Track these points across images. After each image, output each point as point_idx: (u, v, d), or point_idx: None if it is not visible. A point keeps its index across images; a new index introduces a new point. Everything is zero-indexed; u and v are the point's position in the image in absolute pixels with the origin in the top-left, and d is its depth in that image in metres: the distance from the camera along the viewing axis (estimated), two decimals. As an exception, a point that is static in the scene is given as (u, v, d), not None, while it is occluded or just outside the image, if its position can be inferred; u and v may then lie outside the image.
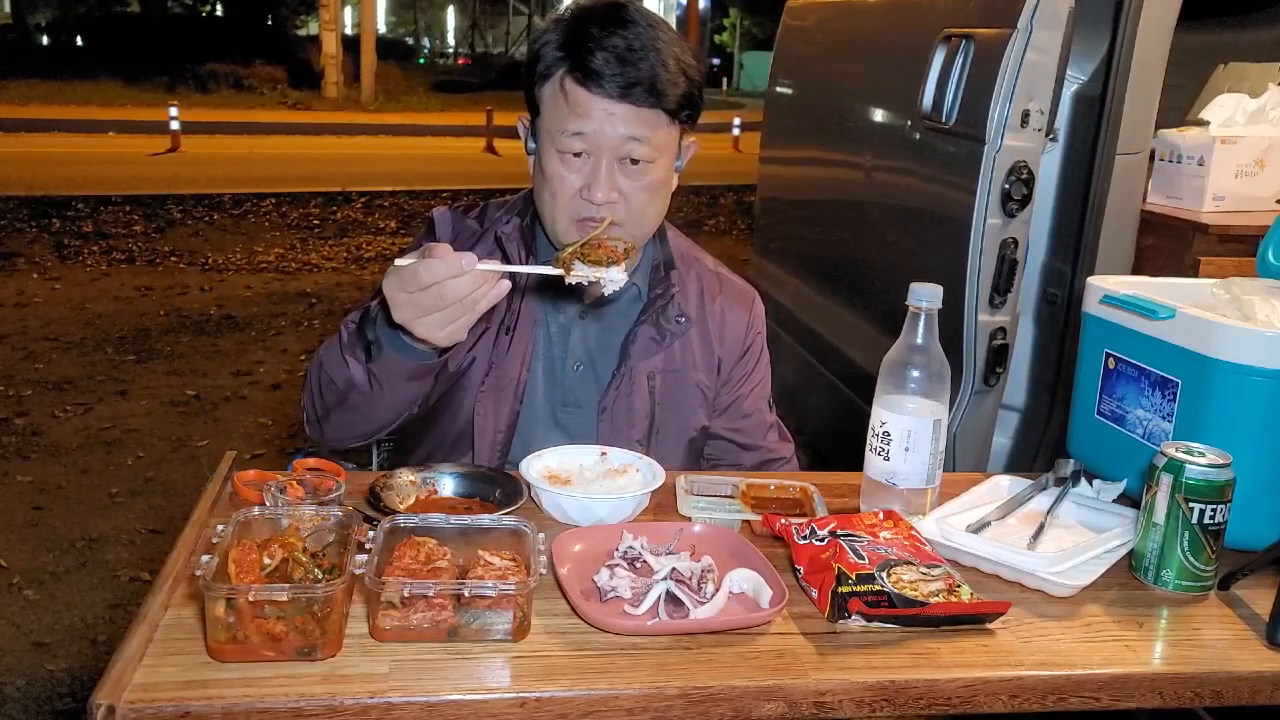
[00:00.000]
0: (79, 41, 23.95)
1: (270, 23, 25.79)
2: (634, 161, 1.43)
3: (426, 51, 37.37)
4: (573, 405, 1.56)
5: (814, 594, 1.09)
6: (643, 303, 1.59)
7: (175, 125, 12.07)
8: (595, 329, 1.58)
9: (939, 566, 1.11)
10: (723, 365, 1.63)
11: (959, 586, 1.08)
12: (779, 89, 3.69)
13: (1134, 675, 1.01)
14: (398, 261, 1.23)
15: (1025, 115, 2.16)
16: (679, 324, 1.58)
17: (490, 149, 13.46)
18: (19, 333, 5.29)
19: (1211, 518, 1.12)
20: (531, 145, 1.52)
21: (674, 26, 1.53)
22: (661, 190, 1.49)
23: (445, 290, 1.20)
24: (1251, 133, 2.50)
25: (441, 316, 1.22)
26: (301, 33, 26.92)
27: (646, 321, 1.56)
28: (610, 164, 1.43)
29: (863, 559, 1.09)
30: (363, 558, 0.99)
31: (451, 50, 38.82)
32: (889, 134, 2.78)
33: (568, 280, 1.29)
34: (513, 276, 1.49)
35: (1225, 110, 2.56)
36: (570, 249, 1.31)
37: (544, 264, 1.42)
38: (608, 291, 1.32)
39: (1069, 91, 2.38)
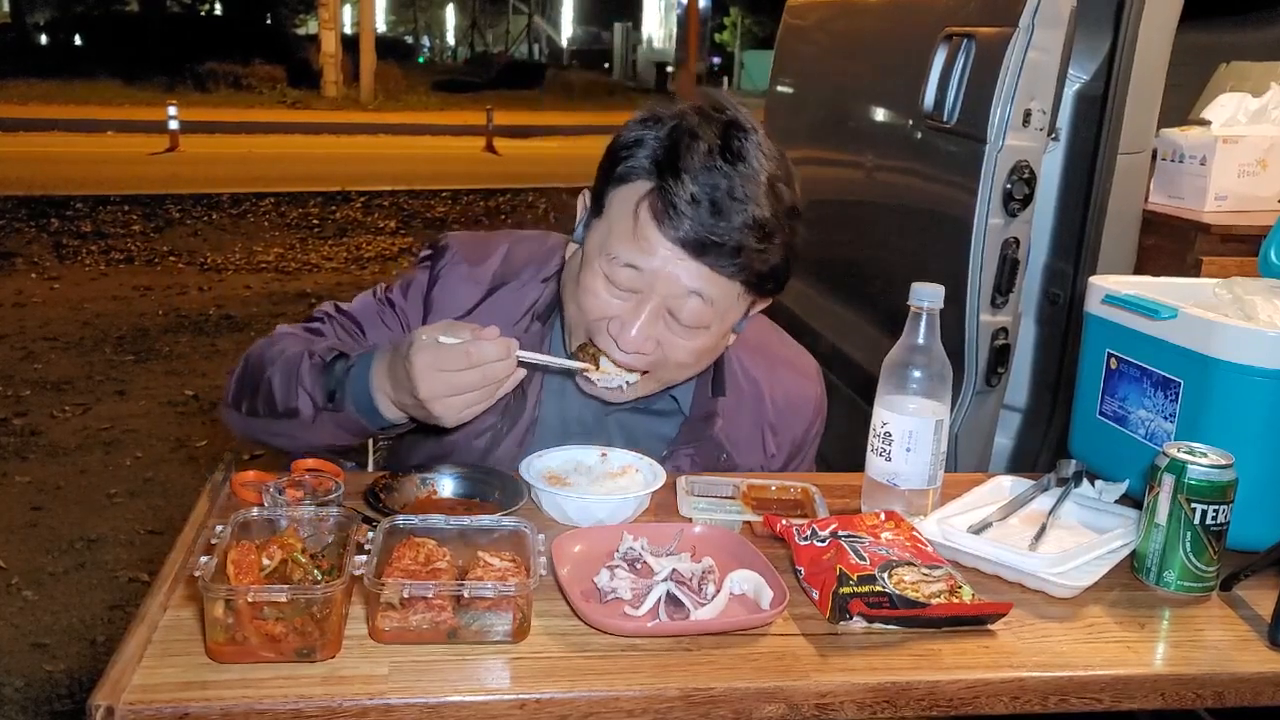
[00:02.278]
0: (78, 41, 23.96)
1: (269, 22, 25.80)
2: (685, 322, 1.27)
3: (426, 51, 37.39)
4: None
5: (815, 595, 1.09)
6: (682, 417, 1.45)
7: (174, 125, 12.08)
8: (626, 420, 1.44)
9: (940, 567, 1.10)
10: (773, 460, 1.49)
11: (960, 587, 1.07)
12: (779, 89, 3.69)
13: (1136, 676, 1.01)
14: (441, 338, 1.15)
15: (1027, 115, 2.15)
16: (721, 461, 1.43)
17: (490, 148, 13.47)
18: (18, 333, 5.29)
19: (1214, 518, 1.12)
20: (579, 234, 1.34)
21: (674, 26, 1.44)
22: (709, 355, 1.34)
23: (489, 372, 1.14)
24: (1253, 132, 2.50)
25: (473, 397, 1.16)
26: (301, 32, 26.93)
27: (686, 443, 1.43)
28: (658, 309, 1.26)
29: (864, 560, 1.08)
30: (362, 559, 0.99)
31: (452, 49, 38.84)
32: (890, 134, 2.77)
33: (594, 377, 1.25)
34: (528, 378, 1.38)
35: (1227, 110, 2.56)
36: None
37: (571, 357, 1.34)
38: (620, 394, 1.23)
39: (1071, 91, 2.37)
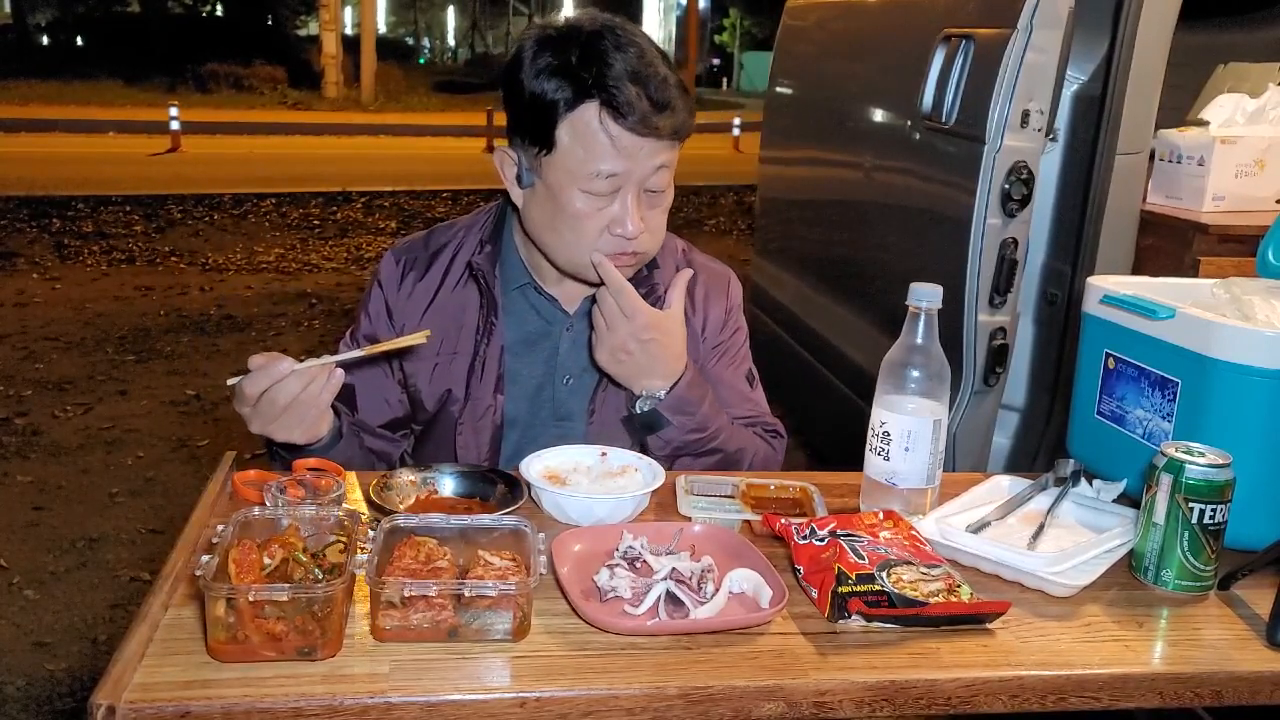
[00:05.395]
0: (79, 41, 23.98)
1: (270, 23, 25.80)
2: (657, 190, 1.43)
3: (427, 52, 37.39)
4: (565, 418, 1.55)
5: (814, 594, 1.09)
6: None
7: (175, 125, 12.09)
8: (583, 338, 1.55)
9: (939, 566, 1.11)
10: (705, 346, 1.63)
11: (959, 586, 1.08)
12: (779, 89, 3.69)
13: (1134, 675, 1.01)
14: (228, 381, 1.29)
15: (1025, 115, 2.16)
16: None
17: (490, 149, 13.47)
18: (19, 333, 5.29)
19: (1211, 518, 1.12)
20: (528, 179, 1.45)
21: (674, 27, 1.53)
22: (668, 209, 1.50)
23: (276, 396, 1.25)
24: (1251, 133, 2.50)
25: (286, 419, 1.28)
26: (301, 33, 26.94)
27: None
28: (638, 195, 1.41)
29: (863, 559, 1.09)
30: (363, 558, 0.99)
31: (452, 50, 38.83)
32: (889, 134, 2.78)
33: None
34: (489, 301, 1.53)
35: (1225, 110, 2.56)
36: None
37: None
38: None
39: (1069, 91, 2.38)
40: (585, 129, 1.37)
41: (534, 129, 1.40)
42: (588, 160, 1.37)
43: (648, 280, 1.56)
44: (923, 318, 1.25)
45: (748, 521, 1.26)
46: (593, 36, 1.38)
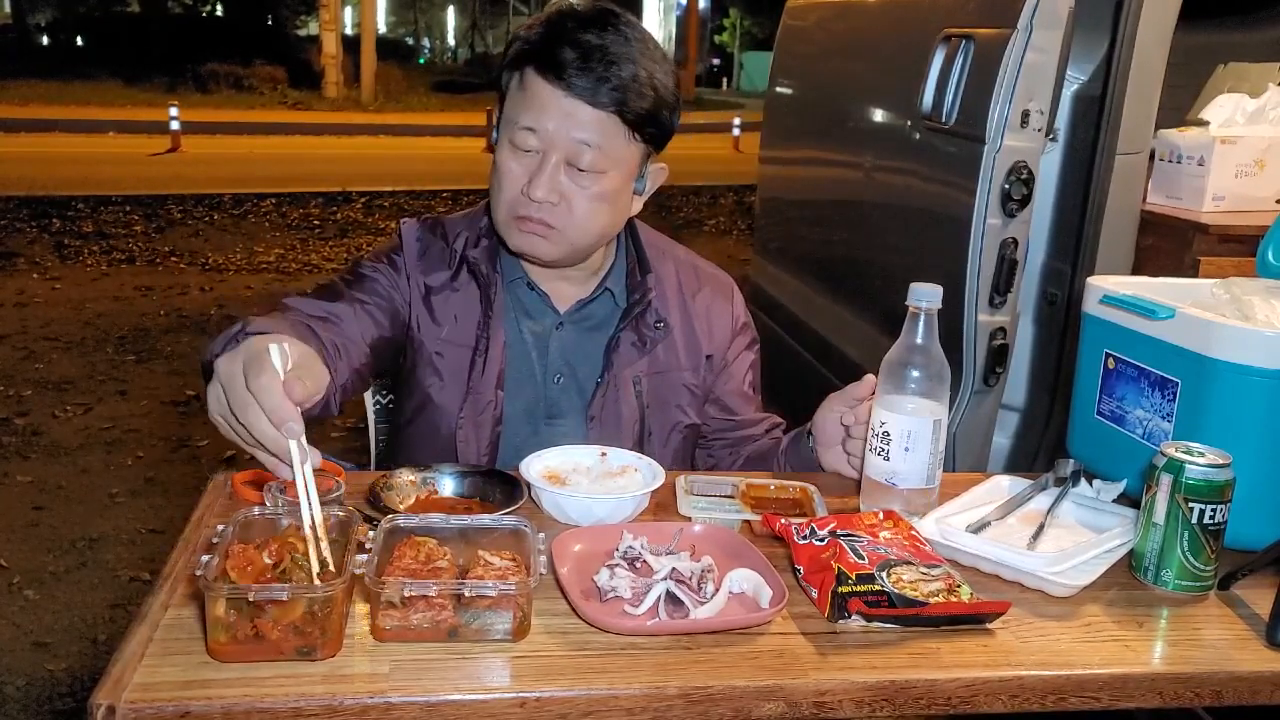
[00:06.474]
0: (79, 41, 23.97)
1: (270, 23, 25.79)
2: (583, 168, 1.40)
3: (427, 52, 37.40)
4: (557, 417, 1.55)
5: (814, 594, 1.09)
6: (621, 308, 1.57)
7: (175, 125, 12.09)
8: (573, 338, 1.56)
9: (939, 566, 1.11)
10: (714, 360, 1.63)
11: (959, 586, 1.08)
12: (779, 89, 3.69)
13: (1134, 675, 1.01)
14: (250, 377, 1.00)
15: (1025, 115, 2.16)
16: (657, 330, 1.57)
17: (490, 149, 13.47)
18: (19, 333, 5.29)
19: (1211, 518, 1.12)
20: (495, 136, 1.49)
21: (674, 27, 1.51)
22: (611, 205, 1.45)
23: (255, 426, 1.02)
24: (1251, 133, 2.50)
25: (236, 435, 1.06)
26: (301, 33, 26.94)
27: (627, 327, 1.55)
28: (558, 164, 1.40)
29: (863, 559, 1.09)
30: (363, 557, 0.99)
31: (452, 50, 38.85)
32: (889, 134, 2.77)
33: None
34: (486, 296, 1.52)
35: (1225, 110, 2.56)
36: None
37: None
38: None
39: (1069, 91, 2.38)
40: (518, 80, 1.41)
41: (499, 79, 1.47)
42: (514, 109, 1.41)
43: (640, 286, 1.56)
44: (923, 318, 1.25)
45: (748, 521, 1.26)
46: (584, 17, 1.40)
